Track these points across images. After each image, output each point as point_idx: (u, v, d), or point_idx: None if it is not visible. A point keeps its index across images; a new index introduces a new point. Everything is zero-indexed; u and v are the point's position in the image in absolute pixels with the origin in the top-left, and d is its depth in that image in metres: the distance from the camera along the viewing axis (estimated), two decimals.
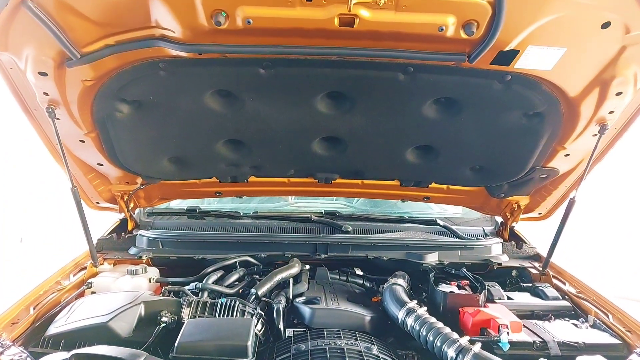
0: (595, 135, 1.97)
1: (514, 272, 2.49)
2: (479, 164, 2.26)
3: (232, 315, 1.80)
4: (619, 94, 1.74)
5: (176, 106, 1.89)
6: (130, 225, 2.67)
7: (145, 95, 1.83)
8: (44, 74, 1.65)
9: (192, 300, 1.84)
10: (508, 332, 1.71)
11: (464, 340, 1.63)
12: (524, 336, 1.74)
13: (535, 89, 1.75)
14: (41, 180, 6.07)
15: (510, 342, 1.68)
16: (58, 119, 1.86)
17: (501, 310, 1.89)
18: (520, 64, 1.62)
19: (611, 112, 1.85)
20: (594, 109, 1.83)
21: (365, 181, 2.53)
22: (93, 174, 2.32)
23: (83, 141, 2.03)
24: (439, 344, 1.66)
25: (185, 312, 1.79)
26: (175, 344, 1.51)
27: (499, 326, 1.74)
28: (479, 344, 1.60)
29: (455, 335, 1.67)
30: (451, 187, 2.52)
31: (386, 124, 2.00)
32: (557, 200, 2.50)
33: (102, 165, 2.22)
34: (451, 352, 1.60)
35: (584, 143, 2.01)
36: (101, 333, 1.64)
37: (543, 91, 1.76)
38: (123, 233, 2.62)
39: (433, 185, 2.50)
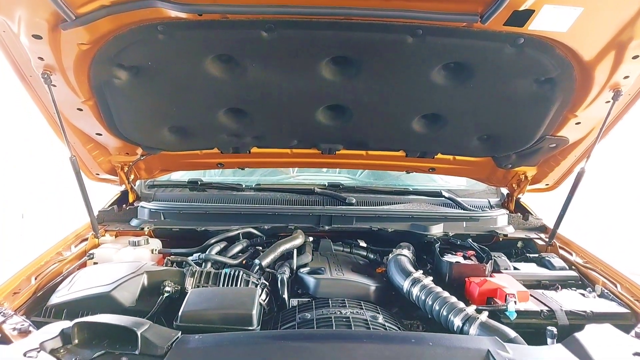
0: (608, 102, 1.91)
1: (519, 244, 2.46)
2: (487, 133, 2.21)
3: (236, 285, 1.78)
4: (635, 57, 1.68)
5: (176, 72, 1.83)
6: (131, 197, 2.64)
7: (144, 61, 1.77)
8: (38, 37, 1.58)
9: (196, 271, 1.82)
10: (515, 302, 1.69)
11: (471, 309, 1.62)
12: (531, 305, 1.73)
13: (548, 52, 1.68)
14: (43, 154, 6.02)
15: (517, 311, 1.66)
16: (54, 85, 1.80)
17: (508, 280, 1.87)
18: (535, 25, 1.55)
19: (626, 77, 1.79)
20: (608, 73, 1.76)
21: (370, 152, 2.47)
22: (92, 144, 2.28)
23: (81, 109, 1.97)
24: (445, 313, 1.65)
25: (189, 282, 1.77)
26: (180, 313, 1.50)
27: (505, 295, 1.72)
28: (485, 313, 1.59)
29: (461, 305, 1.65)
30: (457, 157, 2.47)
31: (393, 91, 1.93)
32: (566, 171, 2.45)
33: (101, 135, 2.17)
34: (457, 321, 1.59)
35: (596, 110, 1.95)
36: (104, 302, 1.62)
37: (557, 55, 1.69)
38: (124, 205, 2.59)
39: (439, 156, 2.45)
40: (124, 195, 2.67)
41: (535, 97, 1.91)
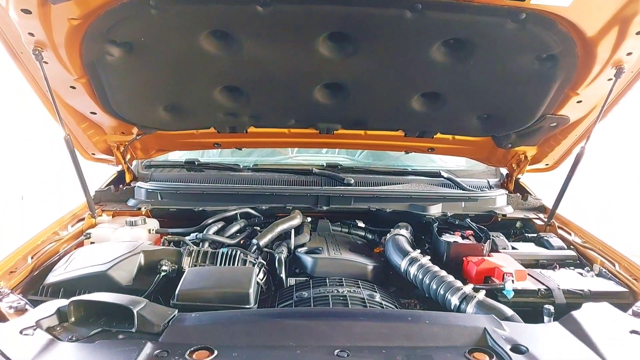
0: (610, 79, 1.88)
1: (518, 224, 2.45)
2: (487, 112, 2.18)
3: (233, 265, 1.77)
4: (639, 33, 1.64)
5: (170, 49, 1.79)
6: (127, 178, 2.62)
7: (136, 37, 1.72)
8: (27, 12, 1.54)
9: (193, 250, 1.81)
10: (513, 280, 1.69)
11: (468, 288, 1.61)
12: (528, 284, 1.72)
13: (550, 28, 1.64)
14: (41, 137, 5.99)
15: (515, 290, 1.66)
16: (46, 62, 1.76)
17: (506, 259, 1.87)
18: (537, 0, 1.51)
19: (629, 54, 1.75)
20: (611, 50, 1.73)
21: (369, 132, 2.45)
22: (87, 124, 2.25)
23: (74, 87, 1.94)
24: (442, 292, 1.65)
25: (186, 262, 1.77)
26: (176, 291, 1.49)
27: (503, 274, 1.71)
28: (483, 292, 1.59)
29: (458, 284, 1.65)
30: (457, 137, 2.45)
31: (391, 69, 1.90)
32: (566, 151, 2.43)
33: (95, 113, 2.14)
34: (455, 300, 1.59)
35: (598, 88, 1.92)
36: (101, 281, 1.62)
37: (559, 31, 1.65)
38: (121, 185, 2.58)
39: (438, 135, 2.43)
40: (120, 175, 2.65)
41: (536, 74, 1.88)
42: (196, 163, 2.67)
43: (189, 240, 1.99)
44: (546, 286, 1.70)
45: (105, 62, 1.80)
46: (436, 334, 1.30)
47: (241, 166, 2.70)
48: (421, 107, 2.13)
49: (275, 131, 2.42)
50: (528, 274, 1.78)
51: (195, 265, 1.76)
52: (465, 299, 1.57)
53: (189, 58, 1.83)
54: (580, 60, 1.78)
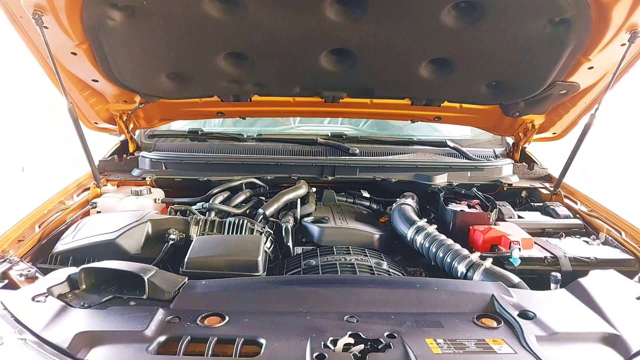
0: (624, 44, 1.83)
1: (523, 193, 2.45)
2: (496, 78, 2.13)
3: (240, 234, 1.78)
4: None
5: (172, 13, 1.73)
6: (131, 147, 2.60)
7: (138, 0, 1.67)
8: None
9: (200, 219, 1.81)
10: (519, 248, 1.69)
11: (475, 256, 1.62)
12: (535, 252, 1.73)
13: None
14: (43, 108, 5.94)
15: (521, 258, 1.67)
16: (46, 27, 1.71)
17: (512, 228, 1.87)
18: None
19: None
20: (626, 13, 1.67)
21: (375, 100, 2.41)
22: (89, 92, 2.21)
23: (75, 53, 1.89)
24: (449, 260, 1.66)
25: (193, 230, 1.77)
26: (185, 259, 1.50)
27: (510, 243, 1.72)
28: (489, 260, 1.59)
29: (465, 252, 1.66)
30: (464, 105, 2.41)
31: (400, 33, 1.85)
32: (574, 119, 2.40)
33: (97, 81, 2.10)
34: (461, 268, 1.60)
35: (611, 54, 1.88)
36: (109, 250, 1.63)
37: None
38: (125, 155, 2.56)
39: (445, 104, 2.39)
40: (124, 145, 2.63)
41: (548, 39, 1.83)
42: (199, 133, 2.65)
43: (196, 209, 1.98)
44: (552, 254, 1.71)
45: (106, 26, 1.75)
46: (444, 301, 1.31)
47: (245, 136, 2.67)
48: (429, 74, 2.09)
49: (280, 100, 2.39)
50: (534, 242, 1.78)
51: (203, 234, 1.76)
52: (472, 266, 1.58)
53: (192, 22, 1.77)
54: (594, 24, 1.73)
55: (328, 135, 2.73)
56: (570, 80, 2.09)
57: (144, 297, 1.29)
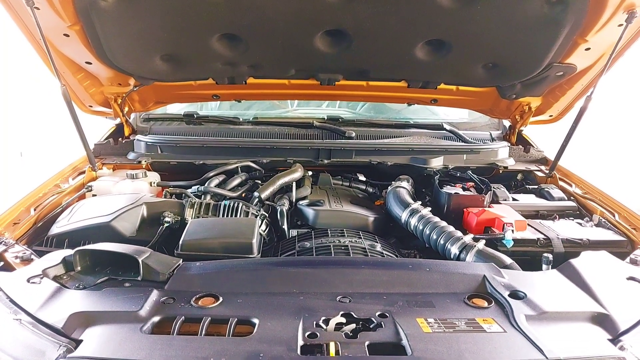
0: (621, 25, 1.81)
1: (519, 175, 2.46)
2: (493, 60, 2.12)
3: (236, 216, 1.78)
4: None
5: None
6: (127, 131, 2.59)
7: None
8: None
9: (195, 202, 1.82)
10: (512, 230, 1.70)
11: (468, 238, 1.63)
12: (528, 234, 1.74)
13: None
14: (41, 92, 5.90)
15: (514, 240, 1.68)
16: (37, 8, 1.69)
17: (506, 210, 1.88)
18: None
19: None
20: None
21: (371, 83, 2.40)
22: (82, 74, 2.19)
23: (67, 35, 1.87)
24: (442, 242, 1.67)
25: (189, 213, 1.78)
26: (180, 242, 1.51)
27: (503, 224, 1.73)
28: (482, 241, 1.60)
29: (459, 234, 1.67)
30: (461, 88, 2.40)
31: (396, 14, 1.82)
32: (571, 101, 2.39)
33: (90, 63, 2.08)
34: (454, 249, 1.61)
35: (608, 34, 1.86)
36: (104, 232, 1.63)
37: None
38: (120, 138, 2.55)
39: (442, 86, 2.38)
40: (119, 128, 2.62)
41: (545, 19, 1.81)
42: (195, 116, 2.63)
43: (191, 192, 1.99)
44: (545, 236, 1.72)
45: (98, 7, 1.73)
46: (436, 281, 1.32)
47: (241, 119, 2.66)
48: (425, 56, 2.07)
49: (275, 82, 2.37)
50: (528, 224, 1.79)
51: (198, 217, 1.77)
52: (465, 248, 1.59)
53: (186, 3, 1.75)
54: (590, 4, 1.72)
55: (324, 118, 2.72)
56: (567, 62, 2.08)
57: (139, 278, 1.30)
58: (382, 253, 1.62)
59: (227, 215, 1.79)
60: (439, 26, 1.90)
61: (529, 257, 1.67)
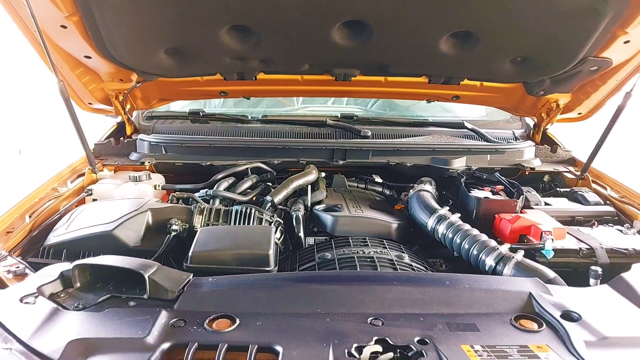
0: None
1: (546, 177, 2.31)
2: (522, 54, 1.97)
3: (248, 224, 1.64)
4: None
5: None
6: (129, 130, 2.45)
7: None
8: None
9: (204, 208, 1.68)
10: (552, 239, 1.56)
11: (504, 248, 1.49)
12: (568, 243, 1.60)
13: None
14: (40, 89, 5.76)
15: (554, 250, 1.54)
16: None
17: (541, 216, 1.74)
18: None
19: None
20: None
21: (389, 79, 2.25)
22: (81, 69, 2.05)
23: (65, 27, 1.72)
24: (475, 252, 1.53)
25: (197, 220, 1.64)
26: (190, 254, 1.37)
27: (541, 233, 1.59)
28: (521, 252, 1.46)
29: (493, 243, 1.53)
30: (485, 84, 2.25)
31: (421, 3, 1.67)
32: (602, 98, 2.24)
33: (90, 57, 1.93)
34: (490, 261, 1.47)
35: None
36: (106, 242, 1.50)
37: None
38: (122, 138, 2.41)
39: (465, 82, 2.22)
40: (120, 127, 2.48)
41: (584, 9, 1.66)
42: (201, 114, 2.49)
43: (199, 197, 1.84)
44: (588, 245, 1.58)
45: None
46: (477, 300, 1.18)
47: (249, 117, 2.52)
48: (450, 49, 1.92)
49: (287, 78, 2.22)
50: (566, 232, 1.65)
51: (207, 224, 1.63)
52: (502, 259, 1.45)
53: None
54: None
55: (337, 116, 2.58)
56: (603, 56, 1.93)
57: (145, 296, 1.16)
58: (412, 265, 1.48)
59: (239, 222, 1.65)
60: (467, 17, 1.75)
61: (571, 269, 1.53)
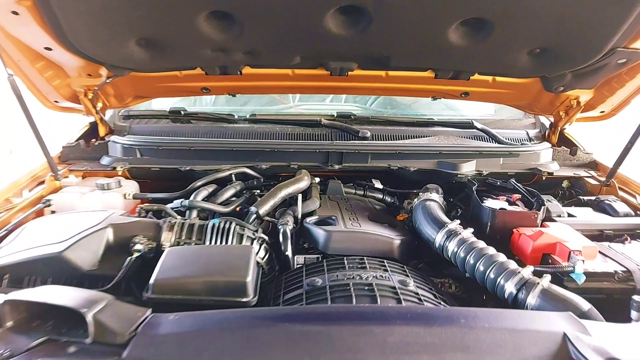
0: None
1: (565, 183, 2.08)
2: (542, 44, 1.72)
3: (226, 241, 1.41)
4: None
5: None
6: (102, 130, 2.21)
7: None
8: None
9: (175, 223, 1.44)
10: (583, 260, 1.32)
11: (527, 272, 1.26)
12: (600, 264, 1.37)
13: None
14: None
15: (586, 273, 1.31)
16: None
17: (567, 231, 1.50)
18: None
19: None
20: None
21: (390, 73, 2.01)
22: (43, 63, 1.81)
23: (17, 13, 1.48)
24: (492, 275, 1.29)
25: (167, 238, 1.40)
26: (151, 281, 1.14)
27: (569, 252, 1.35)
28: (547, 277, 1.23)
29: (513, 265, 1.30)
30: (498, 79, 2.01)
31: None
32: (629, 95, 2.00)
33: (51, 49, 1.69)
34: (510, 287, 1.24)
35: None
36: (56, 266, 1.26)
37: None
38: (93, 139, 2.17)
39: (476, 77, 1.98)
40: (93, 127, 2.24)
41: None
42: (182, 113, 2.25)
43: (172, 208, 1.61)
44: (624, 267, 1.34)
45: None
46: (500, 343, 0.95)
47: (236, 117, 2.28)
48: (460, 39, 1.68)
49: (276, 72, 1.98)
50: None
51: (177, 243, 1.40)
52: (525, 285, 1.22)
53: None
54: None
55: (333, 115, 2.34)
56: (634, 47, 1.69)
57: (88, 340, 0.93)
58: (418, 294, 1.24)
59: (216, 240, 1.41)
60: (481, 1, 1.51)
61: (604, 296, 1.30)
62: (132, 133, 2.20)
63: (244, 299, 1.15)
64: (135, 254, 1.31)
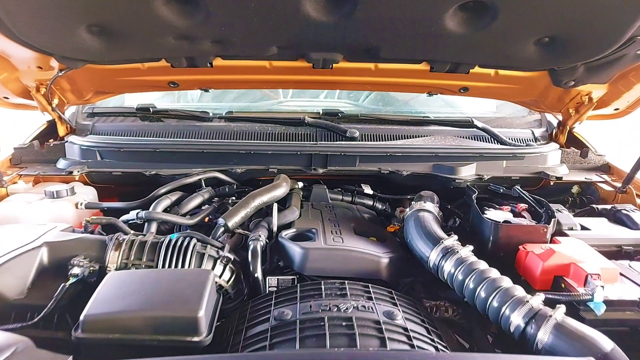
0: None
1: (574, 189, 1.87)
2: (551, 33, 1.50)
3: (183, 263, 1.20)
4: None
5: None
6: (62, 130, 2.00)
7: None
8: None
9: (124, 240, 1.23)
10: (602, 286, 1.12)
11: (537, 301, 1.06)
12: (622, 290, 1.16)
13: None
14: None
15: (606, 302, 1.10)
16: None
17: (581, 249, 1.29)
18: None
19: None
20: None
21: (380, 66, 1.79)
22: None
23: None
24: (495, 303, 1.09)
25: (112, 258, 1.19)
26: (81, 317, 0.93)
27: (586, 276, 1.14)
28: (562, 308, 1.02)
29: (520, 292, 1.09)
30: (501, 72, 1.79)
31: None
32: None
33: None
34: (517, 319, 1.04)
35: None
36: None
37: None
38: (51, 140, 1.95)
39: (476, 70, 1.77)
40: (52, 126, 2.02)
41: None
42: (151, 110, 2.03)
43: (127, 221, 1.40)
44: None
45: None
46: None
47: (211, 114, 2.06)
48: (459, 27, 1.46)
49: (251, 65, 1.76)
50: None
51: (125, 265, 1.19)
52: (535, 318, 1.01)
53: None
54: None
55: (319, 112, 2.13)
56: None
57: None
58: (407, 329, 1.03)
59: (170, 261, 1.20)
60: None
61: (628, 328, 1.10)
62: (94, 133, 1.98)
63: (195, 338, 0.95)
64: (72, 279, 1.10)
